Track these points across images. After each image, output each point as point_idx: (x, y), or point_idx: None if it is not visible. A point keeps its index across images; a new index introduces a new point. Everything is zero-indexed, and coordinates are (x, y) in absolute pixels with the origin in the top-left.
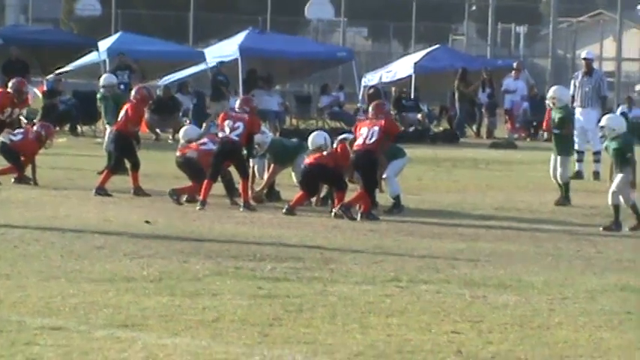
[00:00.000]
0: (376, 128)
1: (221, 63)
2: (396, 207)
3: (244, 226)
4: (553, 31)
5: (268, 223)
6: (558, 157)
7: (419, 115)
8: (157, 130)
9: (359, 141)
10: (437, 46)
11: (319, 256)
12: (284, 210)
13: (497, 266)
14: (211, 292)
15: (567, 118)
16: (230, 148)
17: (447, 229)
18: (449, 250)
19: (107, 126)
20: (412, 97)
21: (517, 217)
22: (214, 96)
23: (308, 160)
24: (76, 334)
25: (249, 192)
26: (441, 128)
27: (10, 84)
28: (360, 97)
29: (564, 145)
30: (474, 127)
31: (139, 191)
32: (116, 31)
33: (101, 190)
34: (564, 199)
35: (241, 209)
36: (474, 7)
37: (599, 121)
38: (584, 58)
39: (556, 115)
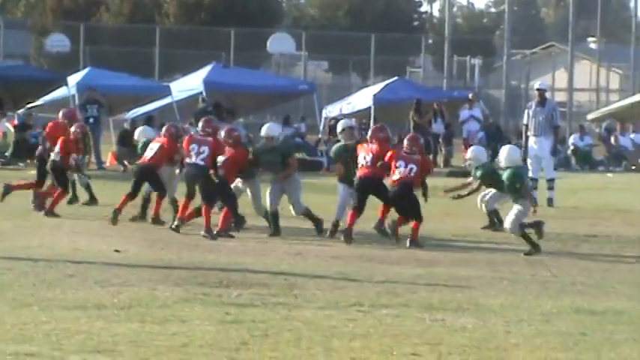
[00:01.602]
0: (414, 166)
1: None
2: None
3: (211, 254)
4: (507, 62)
5: (234, 251)
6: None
7: None
8: (125, 162)
9: (399, 173)
10: (395, 78)
11: (284, 282)
12: (343, 237)
13: (455, 290)
14: (180, 319)
15: (487, 175)
16: (196, 172)
17: (407, 255)
18: (408, 275)
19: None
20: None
21: (474, 242)
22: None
23: (361, 172)
24: (49, 359)
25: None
26: None
27: None
28: (321, 128)
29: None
30: (430, 157)
31: (157, 220)
32: (85, 67)
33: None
34: (493, 225)
35: (202, 233)
36: (430, 41)
37: (552, 149)
38: (537, 89)
39: (477, 174)
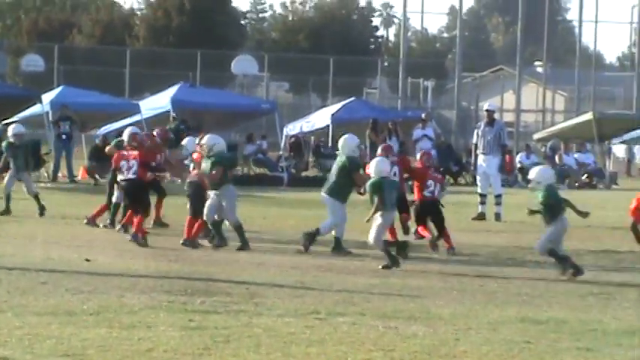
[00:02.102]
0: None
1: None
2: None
3: (177, 264)
4: (458, 85)
5: (199, 261)
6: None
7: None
8: (96, 176)
9: (429, 191)
10: (352, 98)
11: (245, 290)
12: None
13: (408, 300)
14: (146, 325)
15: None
16: (131, 186)
17: (363, 266)
18: (364, 285)
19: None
20: (330, 145)
21: (425, 254)
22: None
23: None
24: None
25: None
26: None
27: None
28: (282, 145)
29: None
30: None
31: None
32: (58, 85)
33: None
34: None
35: (129, 238)
36: (386, 64)
37: (499, 167)
38: (487, 110)
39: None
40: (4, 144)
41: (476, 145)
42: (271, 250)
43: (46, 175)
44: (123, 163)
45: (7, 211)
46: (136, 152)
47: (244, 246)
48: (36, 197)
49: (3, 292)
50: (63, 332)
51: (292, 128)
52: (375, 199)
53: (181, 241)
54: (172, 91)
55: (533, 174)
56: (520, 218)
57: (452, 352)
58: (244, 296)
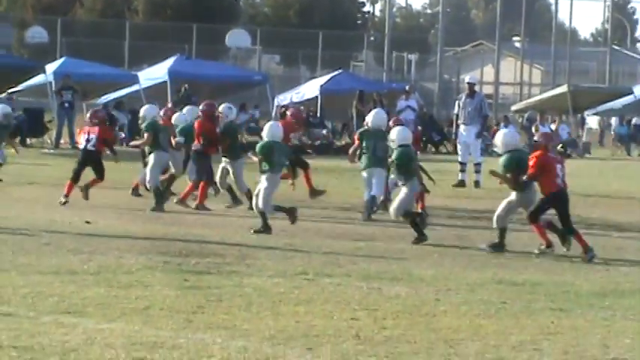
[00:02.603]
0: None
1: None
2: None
3: (173, 227)
4: (440, 58)
5: (194, 224)
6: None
7: (324, 131)
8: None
9: (560, 179)
10: (340, 71)
11: (237, 252)
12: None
13: (391, 262)
14: (143, 284)
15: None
16: (88, 156)
17: (349, 230)
18: (350, 248)
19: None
20: (318, 115)
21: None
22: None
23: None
24: (25, 319)
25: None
26: (344, 142)
27: None
28: (273, 114)
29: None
30: None
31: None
32: (61, 57)
33: (201, 206)
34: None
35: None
36: (372, 38)
37: (478, 135)
38: (468, 82)
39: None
40: None
41: (457, 115)
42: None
43: (49, 141)
44: (83, 135)
45: None
46: (97, 128)
47: (235, 202)
48: None
49: (7, 252)
50: (64, 290)
51: (283, 99)
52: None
53: (175, 200)
54: (169, 62)
55: (497, 139)
56: (498, 185)
57: (432, 312)
58: (236, 258)
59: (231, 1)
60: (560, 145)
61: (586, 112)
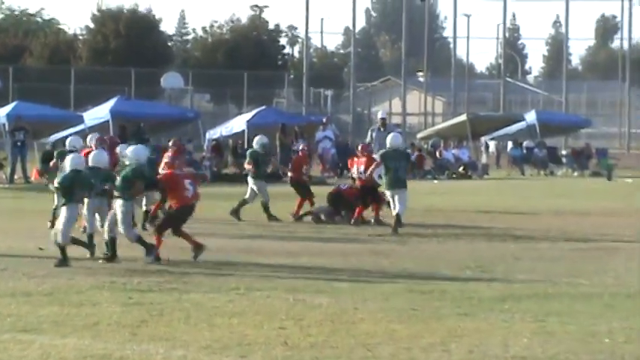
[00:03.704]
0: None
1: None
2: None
3: (118, 249)
4: (353, 93)
5: (135, 247)
6: None
7: None
8: (46, 177)
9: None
10: (264, 107)
11: (176, 271)
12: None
13: (315, 275)
14: (92, 302)
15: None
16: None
17: (277, 247)
18: (277, 264)
19: None
20: (246, 147)
21: (330, 237)
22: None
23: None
24: None
25: None
26: (268, 170)
27: None
28: (205, 147)
29: None
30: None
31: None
32: (13, 100)
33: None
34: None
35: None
36: (291, 76)
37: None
38: (381, 118)
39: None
40: None
41: (371, 144)
42: (198, 235)
43: (4, 177)
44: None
45: None
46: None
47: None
48: None
49: None
50: (21, 310)
51: (213, 133)
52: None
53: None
54: (111, 103)
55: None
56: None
57: (352, 319)
58: (175, 276)
59: (165, 46)
60: (462, 167)
61: (483, 138)
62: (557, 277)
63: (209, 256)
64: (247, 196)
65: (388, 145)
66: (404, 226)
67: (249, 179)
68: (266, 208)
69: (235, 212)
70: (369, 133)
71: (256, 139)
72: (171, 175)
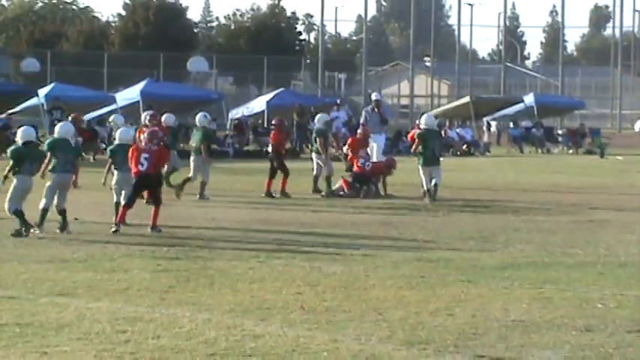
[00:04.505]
0: None
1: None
2: None
3: (146, 220)
4: (364, 77)
5: (164, 218)
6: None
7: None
8: (82, 153)
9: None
10: (282, 89)
11: (201, 240)
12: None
13: (329, 245)
14: (123, 269)
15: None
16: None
17: (293, 219)
18: (295, 234)
19: None
20: (265, 125)
21: (343, 209)
22: None
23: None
24: (25, 301)
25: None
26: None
27: None
28: (227, 126)
29: None
30: (309, 146)
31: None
32: (51, 83)
33: None
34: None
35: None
36: (308, 61)
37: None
38: (375, 100)
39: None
40: None
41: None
42: (221, 207)
43: None
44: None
45: None
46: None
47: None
48: None
49: (10, 245)
50: (58, 276)
51: (236, 113)
52: None
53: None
54: (141, 85)
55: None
56: (413, 180)
57: (363, 285)
58: (200, 245)
59: (191, 33)
60: (465, 146)
61: (485, 118)
62: (553, 248)
63: (231, 227)
64: (315, 171)
65: (423, 125)
66: (438, 199)
67: (314, 155)
68: (329, 183)
69: (316, 188)
70: (363, 113)
71: (318, 117)
72: (133, 148)
